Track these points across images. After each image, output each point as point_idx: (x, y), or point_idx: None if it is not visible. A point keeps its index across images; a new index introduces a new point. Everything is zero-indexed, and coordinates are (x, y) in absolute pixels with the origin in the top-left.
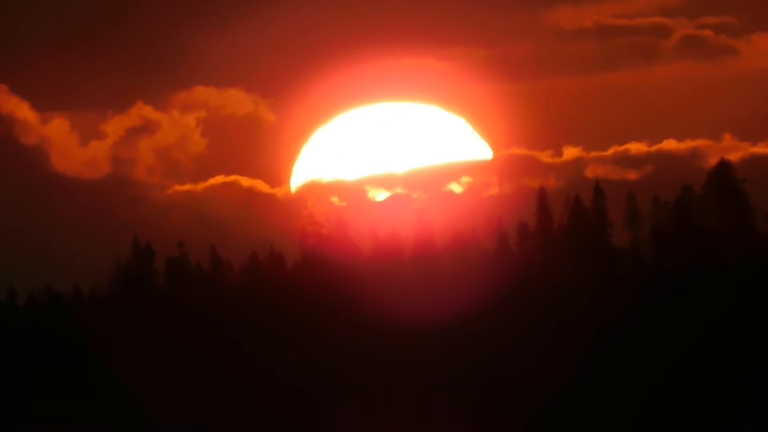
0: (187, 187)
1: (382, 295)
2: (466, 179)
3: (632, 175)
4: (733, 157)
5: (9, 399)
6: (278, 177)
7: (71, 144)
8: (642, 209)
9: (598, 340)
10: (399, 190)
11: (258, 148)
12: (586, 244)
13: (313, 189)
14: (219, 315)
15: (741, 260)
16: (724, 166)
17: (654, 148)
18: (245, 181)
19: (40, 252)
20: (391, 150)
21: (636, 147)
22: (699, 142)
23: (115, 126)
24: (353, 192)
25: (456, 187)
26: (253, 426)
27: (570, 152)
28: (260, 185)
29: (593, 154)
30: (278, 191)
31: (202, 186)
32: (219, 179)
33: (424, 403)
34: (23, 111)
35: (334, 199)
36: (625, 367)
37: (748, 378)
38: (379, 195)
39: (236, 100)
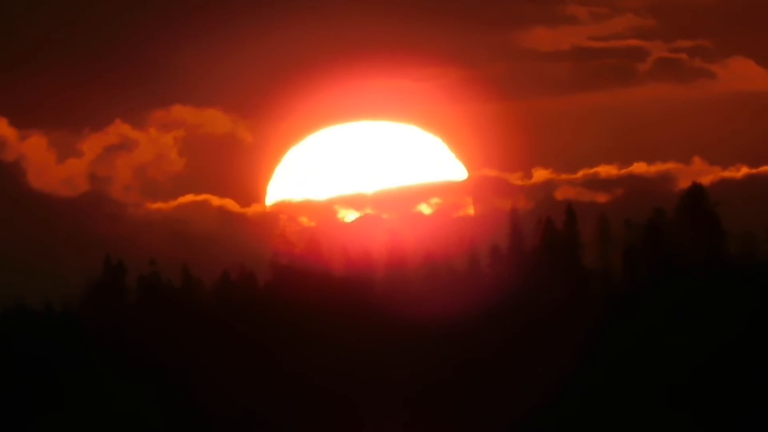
0: (159, 205)
1: (354, 314)
2: (435, 200)
3: (602, 198)
4: (704, 180)
5: None
6: (250, 196)
7: (48, 161)
8: (613, 231)
9: (571, 359)
10: (369, 211)
11: (234, 168)
12: (558, 266)
13: (284, 209)
14: (190, 333)
15: (713, 282)
16: (696, 189)
17: (624, 171)
18: (215, 200)
19: (14, 268)
20: (362, 170)
21: (606, 170)
22: (669, 165)
23: (93, 144)
24: (323, 212)
25: (425, 208)
26: None
27: (540, 174)
28: (231, 204)
29: (563, 176)
30: (249, 210)
31: (173, 204)
32: (189, 198)
33: (396, 422)
34: (2, 127)
35: (304, 219)
36: (597, 386)
37: (720, 396)
38: (349, 215)
39: (215, 120)
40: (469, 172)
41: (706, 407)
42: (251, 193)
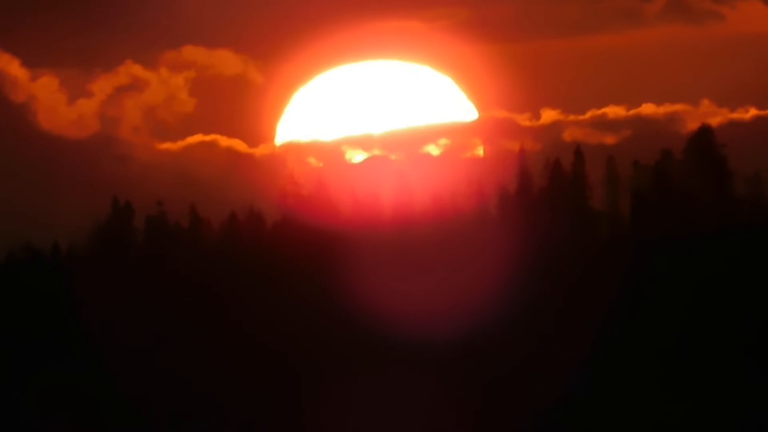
0: (167, 145)
1: (362, 256)
2: (443, 141)
3: (610, 139)
4: (712, 122)
5: None
6: (259, 137)
7: (59, 102)
8: (620, 173)
9: (578, 303)
10: (377, 152)
11: (243, 109)
12: (566, 207)
13: (291, 149)
14: (198, 274)
15: (721, 224)
16: (704, 131)
17: (632, 112)
18: (224, 141)
19: (22, 210)
20: (370, 110)
21: (614, 111)
22: (677, 107)
23: (103, 84)
24: (330, 153)
25: (434, 149)
26: (232, 387)
27: (548, 115)
28: (239, 145)
29: (571, 117)
30: (257, 151)
31: (181, 145)
32: (197, 138)
33: (404, 366)
34: (14, 68)
35: (312, 160)
36: (604, 331)
37: (729, 344)
38: (357, 156)
39: (226, 61)
40: (479, 113)
41: (712, 352)
42: (260, 133)
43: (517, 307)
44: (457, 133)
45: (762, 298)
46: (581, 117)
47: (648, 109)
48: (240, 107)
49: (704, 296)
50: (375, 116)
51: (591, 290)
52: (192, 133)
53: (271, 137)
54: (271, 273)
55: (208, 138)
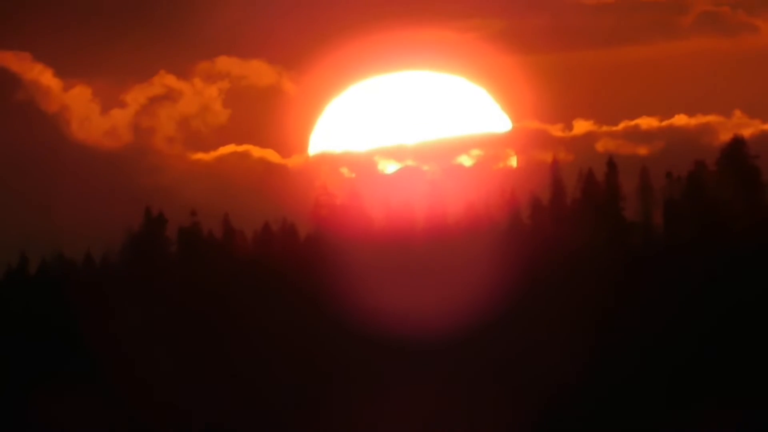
0: (199, 155)
1: (396, 266)
2: (476, 152)
3: (642, 150)
4: (744, 133)
5: (17, 366)
6: (292, 147)
7: (92, 112)
8: (654, 184)
9: (611, 313)
10: (410, 162)
11: (276, 119)
12: (599, 218)
13: (324, 160)
14: (230, 284)
15: (753, 234)
16: (737, 141)
17: (665, 123)
18: (257, 151)
19: (55, 220)
20: (404, 121)
21: (647, 122)
22: (710, 118)
23: (137, 95)
24: (363, 164)
25: (466, 160)
26: (260, 398)
27: (581, 126)
28: (271, 155)
29: (604, 128)
30: (290, 161)
31: (213, 155)
32: (230, 148)
33: (436, 383)
34: (47, 78)
35: (344, 171)
36: (637, 340)
37: (761, 351)
38: (389, 167)
39: (259, 71)
40: (513, 123)
41: (745, 360)
42: (293, 144)
43: (549, 315)
44: (490, 143)
45: None
46: (614, 128)
47: (680, 120)
48: (273, 118)
49: (737, 306)
50: (408, 127)
51: (624, 300)
52: (225, 144)
53: (304, 148)
54: (304, 284)
55: (241, 148)
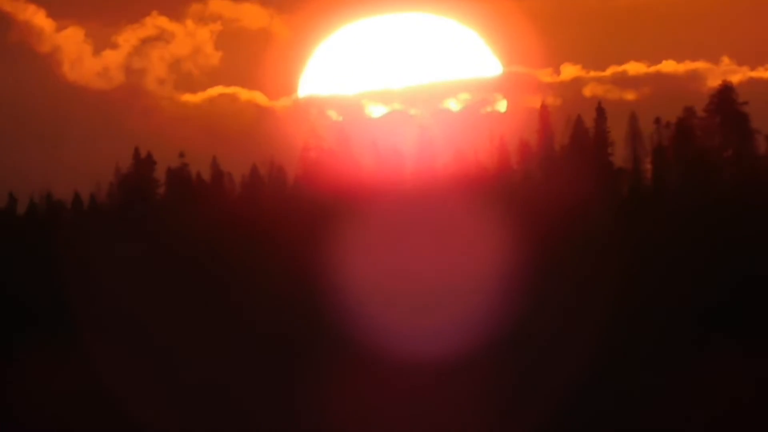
0: (187, 97)
1: (385, 208)
2: (464, 96)
3: (630, 96)
4: (732, 80)
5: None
6: (280, 90)
7: (84, 53)
8: (642, 130)
9: (600, 260)
10: (396, 106)
11: (268, 62)
12: (588, 164)
13: (312, 103)
14: (219, 226)
15: (743, 181)
16: (726, 88)
17: (652, 69)
18: (244, 93)
19: (45, 160)
20: (393, 64)
21: (634, 67)
22: (698, 65)
23: (129, 36)
24: (350, 107)
25: (454, 104)
26: (248, 344)
27: (568, 71)
28: (259, 97)
29: (592, 73)
30: (277, 104)
31: (201, 96)
32: (218, 90)
33: (422, 325)
34: (40, 19)
35: (332, 114)
36: (624, 287)
37: (744, 298)
38: (377, 110)
39: (252, 14)
40: (504, 67)
41: (733, 310)
42: (282, 86)
43: (537, 263)
44: (479, 88)
45: None
46: (602, 73)
47: (668, 66)
48: (264, 60)
49: (725, 253)
50: (397, 70)
51: (612, 247)
52: (213, 86)
53: (293, 90)
54: (292, 226)
55: (229, 90)
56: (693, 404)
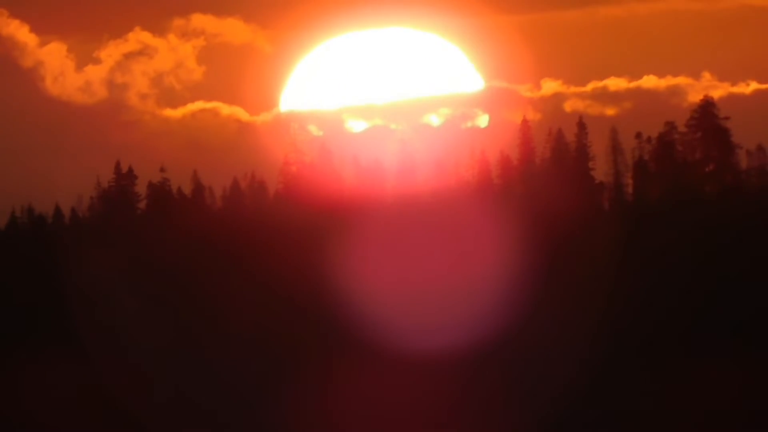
0: (168, 111)
1: (366, 222)
2: (445, 111)
3: (611, 111)
4: (713, 95)
5: None
6: (261, 105)
7: (67, 68)
8: (623, 144)
9: (581, 273)
10: (378, 121)
11: (250, 77)
12: (569, 178)
13: (293, 118)
14: (199, 240)
15: (723, 195)
16: (708, 103)
17: (633, 84)
18: (225, 109)
19: (27, 174)
20: (375, 79)
21: (615, 83)
22: (679, 80)
23: (112, 51)
24: (331, 122)
25: (434, 119)
26: (227, 356)
27: (549, 86)
28: (240, 112)
29: (572, 89)
30: (258, 119)
31: (182, 111)
32: (199, 105)
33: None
34: (23, 34)
35: (313, 129)
36: (604, 299)
37: (726, 311)
38: (357, 125)
39: (234, 29)
40: (485, 82)
41: (715, 324)
42: (263, 101)
43: (518, 276)
44: (459, 102)
45: (766, 268)
46: (582, 89)
47: (649, 81)
48: (246, 75)
49: (707, 267)
50: (378, 85)
51: (593, 260)
52: (195, 100)
53: (274, 105)
54: (273, 240)
55: (210, 105)
56: (684, 407)
